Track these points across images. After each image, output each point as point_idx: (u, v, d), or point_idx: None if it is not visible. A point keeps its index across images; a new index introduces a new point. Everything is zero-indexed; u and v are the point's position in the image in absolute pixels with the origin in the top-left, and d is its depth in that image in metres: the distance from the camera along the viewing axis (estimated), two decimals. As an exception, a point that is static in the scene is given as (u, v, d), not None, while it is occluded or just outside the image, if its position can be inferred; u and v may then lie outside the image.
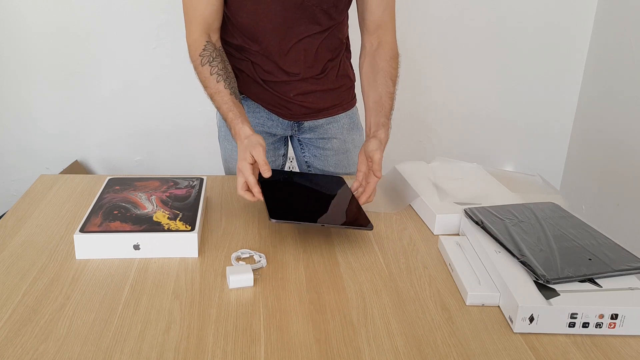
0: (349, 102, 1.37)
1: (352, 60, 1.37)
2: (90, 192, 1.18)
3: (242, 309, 0.82)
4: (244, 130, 1.06)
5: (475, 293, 0.84)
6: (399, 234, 1.05)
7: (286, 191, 1.08)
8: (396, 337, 0.77)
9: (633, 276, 0.84)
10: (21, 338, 0.75)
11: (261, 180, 1.04)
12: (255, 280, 0.89)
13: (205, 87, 1.15)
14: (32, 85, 2.10)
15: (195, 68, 1.16)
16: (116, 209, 1.01)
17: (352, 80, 1.37)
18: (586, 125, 2.25)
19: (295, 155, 1.45)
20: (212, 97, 1.14)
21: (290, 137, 1.42)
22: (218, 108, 1.13)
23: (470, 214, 1.00)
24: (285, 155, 1.43)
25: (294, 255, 0.97)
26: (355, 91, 1.43)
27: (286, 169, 1.51)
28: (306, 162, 1.42)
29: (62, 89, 2.11)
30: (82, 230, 0.93)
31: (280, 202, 1.01)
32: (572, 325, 0.78)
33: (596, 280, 0.82)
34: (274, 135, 1.36)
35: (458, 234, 1.05)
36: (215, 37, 1.19)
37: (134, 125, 2.19)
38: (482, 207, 1.02)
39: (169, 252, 0.94)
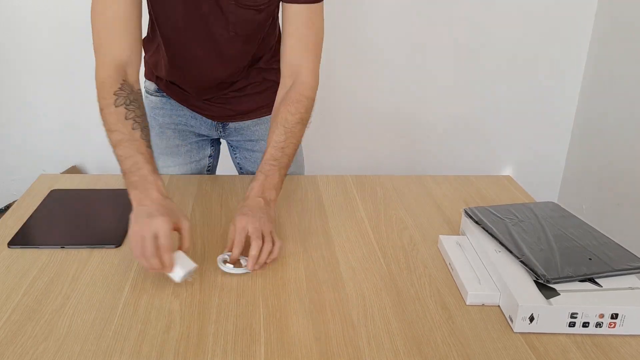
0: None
1: None
2: (90, 192, 1.18)
3: (242, 309, 0.82)
4: (154, 194, 0.88)
5: (475, 293, 0.84)
6: (399, 234, 1.05)
7: (64, 213, 1.08)
8: (396, 337, 0.77)
9: (633, 276, 0.84)
10: (21, 337, 0.75)
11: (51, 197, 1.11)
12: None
13: (113, 132, 0.93)
14: (32, 85, 2.10)
15: (105, 108, 0.95)
16: None
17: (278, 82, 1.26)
18: (586, 125, 2.25)
19: (230, 157, 1.41)
20: (119, 144, 0.92)
21: (221, 139, 1.38)
22: (125, 158, 0.92)
23: (470, 214, 1.00)
24: (212, 156, 1.38)
25: (294, 255, 0.97)
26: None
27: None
28: (238, 163, 1.39)
29: (62, 89, 2.11)
30: None
31: (33, 225, 1.03)
32: (572, 325, 0.78)
33: (596, 280, 0.82)
34: (200, 135, 1.32)
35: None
36: (134, 77, 1.01)
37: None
38: (482, 207, 1.02)
39: None
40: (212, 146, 1.38)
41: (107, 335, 0.76)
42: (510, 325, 0.80)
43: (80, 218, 1.06)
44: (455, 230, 1.06)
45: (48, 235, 1.01)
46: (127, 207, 1.01)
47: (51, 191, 1.15)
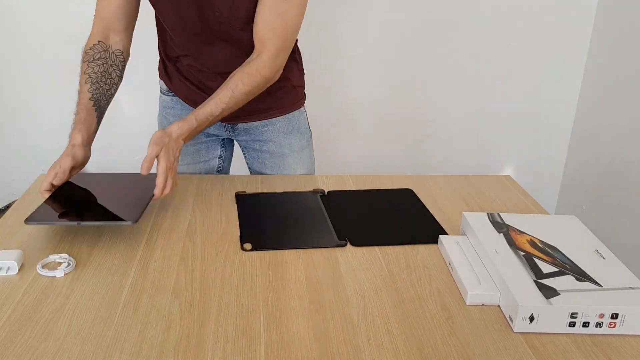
0: (290, 105, 1.32)
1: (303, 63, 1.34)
2: (90, 192, 1.18)
3: (242, 309, 0.82)
4: (73, 137, 1.07)
5: (476, 293, 0.84)
6: (399, 234, 1.05)
7: (77, 193, 1.08)
8: (396, 336, 0.77)
9: (634, 275, 0.84)
10: (21, 337, 0.75)
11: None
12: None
13: (78, 84, 1.15)
14: (32, 85, 2.10)
15: (80, 62, 1.16)
16: None
17: (293, 83, 1.31)
18: (586, 125, 2.25)
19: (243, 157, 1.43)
20: (77, 95, 1.14)
21: (231, 139, 1.40)
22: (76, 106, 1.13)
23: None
24: (222, 157, 1.41)
25: (294, 255, 0.97)
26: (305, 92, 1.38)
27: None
28: (247, 163, 1.41)
29: (62, 89, 2.11)
30: None
31: (58, 203, 1.02)
32: (572, 324, 0.78)
33: (596, 280, 0.82)
34: (209, 135, 1.34)
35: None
36: (116, 39, 1.18)
37: (134, 125, 2.19)
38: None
39: None
40: (223, 147, 1.40)
41: (107, 335, 0.76)
42: (510, 325, 0.80)
43: (97, 198, 1.06)
44: (456, 230, 1.06)
45: (65, 212, 1.00)
46: (144, 189, 1.05)
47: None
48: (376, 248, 0.99)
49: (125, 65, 1.21)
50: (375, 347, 0.75)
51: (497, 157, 2.38)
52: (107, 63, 1.16)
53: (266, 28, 1.11)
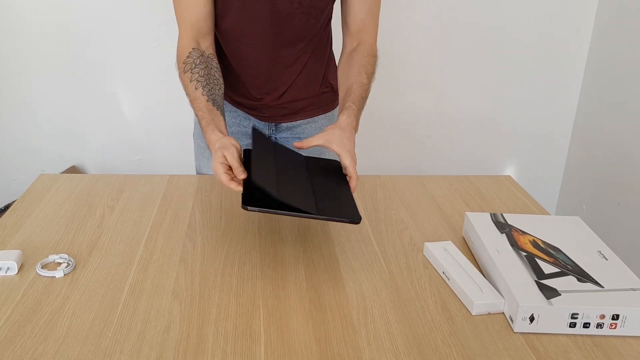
0: (330, 104, 1.35)
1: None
2: (89, 192, 1.18)
3: (242, 309, 0.82)
4: (214, 135, 1.01)
5: (482, 302, 0.82)
6: (399, 234, 1.05)
7: (272, 172, 0.94)
8: (396, 337, 0.77)
9: (635, 277, 0.84)
10: (21, 338, 0.75)
11: (246, 158, 0.97)
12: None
13: (187, 95, 1.12)
14: (32, 85, 2.10)
15: (179, 76, 1.13)
16: None
17: (333, 86, 1.35)
18: (586, 125, 2.25)
19: None
20: (191, 105, 1.11)
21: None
22: (196, 116, 1.10)
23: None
24: None
25: (294, 255, 0.97)
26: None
27: None
28: None
29: (62, 89, 2.11)
30: None
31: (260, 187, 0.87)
32: (572, 325, 0.78)
33: (598, 281, 0.82)
34: (249, 135, 1.35)
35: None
36: (206, 44, 1.15)
37: (134, 125, 2.19)
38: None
39: None
40: None
41: (107, 335, 0.76)
42: (510, 326, 0.80)
43: (299, 184, 0.96)
44: (455, 230, 1.06)
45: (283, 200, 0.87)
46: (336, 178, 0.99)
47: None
48: (376, 247, 0.99)
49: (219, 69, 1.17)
50: (375, 348, 0.75)
51: (497, 157, 2.38)
52: (207, 67, 1.13)
53: (362, 12, 1.18)
